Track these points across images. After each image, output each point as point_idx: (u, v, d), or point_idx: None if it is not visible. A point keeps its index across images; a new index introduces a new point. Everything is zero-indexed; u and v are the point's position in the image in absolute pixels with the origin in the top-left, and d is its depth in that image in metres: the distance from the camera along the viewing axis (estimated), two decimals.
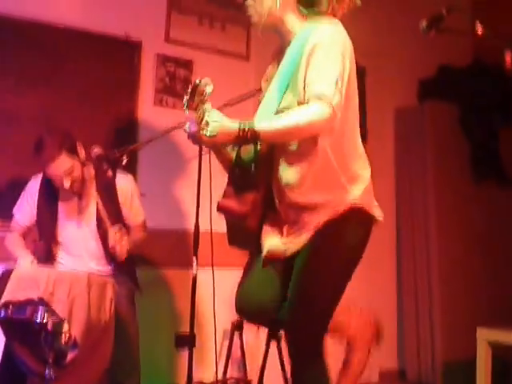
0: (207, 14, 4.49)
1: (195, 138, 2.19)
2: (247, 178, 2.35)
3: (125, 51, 4.18)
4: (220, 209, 2.38)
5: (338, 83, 2.19)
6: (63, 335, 3.02)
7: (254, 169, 2.32)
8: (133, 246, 3.54)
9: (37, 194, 3.55)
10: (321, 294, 2.39)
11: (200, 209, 3.18)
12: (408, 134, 5.38)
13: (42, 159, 3.36)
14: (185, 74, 4.35)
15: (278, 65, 2.44)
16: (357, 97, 2.40)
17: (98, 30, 4.09)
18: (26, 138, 3.75)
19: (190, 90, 2.12)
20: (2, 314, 2.92)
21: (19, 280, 2.96)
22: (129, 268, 3.61)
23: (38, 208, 3.54)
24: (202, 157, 3.21)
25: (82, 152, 3.47)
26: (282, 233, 2.44)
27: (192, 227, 3.21)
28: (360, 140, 2.45)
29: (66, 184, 3.39)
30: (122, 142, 3.74)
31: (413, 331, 5.18)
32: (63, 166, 3.36)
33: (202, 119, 2.12)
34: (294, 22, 2.40)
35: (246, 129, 2.14)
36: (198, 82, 2.12)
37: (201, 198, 3.18)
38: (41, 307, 2.87)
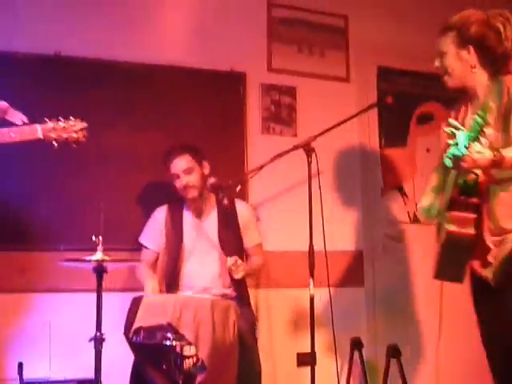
0: (306, 41, 4.62)
1: (463, 160, 2.41)
2: (469, 205, 2.60)
3: (230, 84, 4.38)
4: (448, 234, 2.62)
5: None
6: (191, 358, 3.15)
7: (475, 195, 2.59)
8: (251, 272, 3.75)
9: (164, 222, 3.78)
10: None
11: (313, 230, 3.29)
12: None
13: (167, 160, 3.65)
14: (289, 100, 4.50)
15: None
16: None
17: (205, 66, 4.31)
18: (145, 175, 4.06)
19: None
20: (135, 340, 3.09)
21: (148, 307, 3.12)
22: (244, 291, 3.78)
23: (165, 233, 3.77)
24: (312, 180, 3.34)
25: (206, 167, 3.71)
26: (487, 262, 2.62)
27: (306, 248, 3.31)
28: None
29: (181, 181, 3.63)
30: (234, 171, 3.92)
31: None
32: (184, 165, 3.63)
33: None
34: (481, 77, 2.77)
35: (498, 155, 2.42)
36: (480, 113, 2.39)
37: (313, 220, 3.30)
38: (170, 332, 3.00)
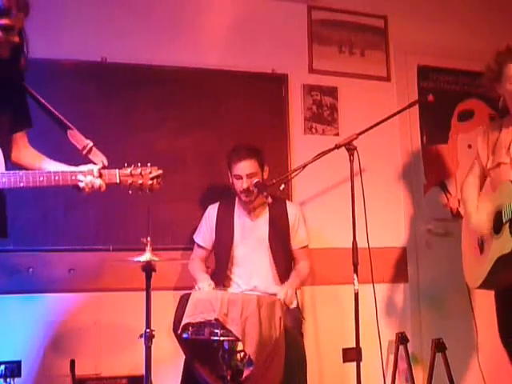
0: (346, 42, 4.67)
1: None
2: None
3: (273, 85, 4.45)
4: None
5: None
6: (238, 353, 3.22)
7: None
8: (300, 286, 3.85)
9: (215, 219, 3.86)
10: None
11: (356, 227, 3.33)
12: None
13: (233, 159, 3.72)
14: (331, 100, 4.56)
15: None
16: None
17: (248, 69, 4.39)
18: (190, 176, 4.15)
19: None
20: (184, 336, 3.14)
21: (196, 303, 3.16)
22: None
23: (216, 230, 3.84)
24: (354, 178, 3.38)
25: (266, 171, 3.79)
26: None
27: (350, 245, 3.34)
28: None
29: (243, 184, 3.69)
30: (277, 171, 3.97)
31: None
32: (249, 169, 3.69)
33: None
34: None
35: None
36: None
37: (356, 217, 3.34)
38: (217, 328, 3.04)
